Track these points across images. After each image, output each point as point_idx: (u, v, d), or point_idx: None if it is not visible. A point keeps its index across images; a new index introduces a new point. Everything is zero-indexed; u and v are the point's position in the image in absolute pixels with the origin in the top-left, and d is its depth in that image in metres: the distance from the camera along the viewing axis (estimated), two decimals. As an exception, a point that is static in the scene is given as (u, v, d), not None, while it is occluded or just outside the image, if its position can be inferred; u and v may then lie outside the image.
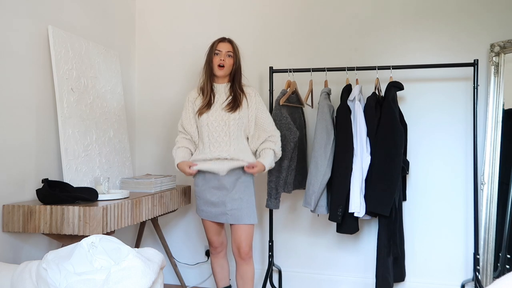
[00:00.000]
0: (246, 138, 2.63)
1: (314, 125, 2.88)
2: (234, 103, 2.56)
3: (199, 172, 2.60)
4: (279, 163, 2.81)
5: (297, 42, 3.26)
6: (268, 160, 2.56)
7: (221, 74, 2.59)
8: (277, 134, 2.63)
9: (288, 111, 2.91)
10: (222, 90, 2.62)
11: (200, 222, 3.41)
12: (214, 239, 2.70)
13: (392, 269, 2.79)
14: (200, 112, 2.59)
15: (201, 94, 2.65)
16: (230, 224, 2.61)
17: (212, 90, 2.61)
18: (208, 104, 2.58)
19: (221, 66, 2.57)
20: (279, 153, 2.62)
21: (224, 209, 2.56)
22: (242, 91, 2.61)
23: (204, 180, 2.61)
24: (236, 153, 2.54)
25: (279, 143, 2.62)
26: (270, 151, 2.58)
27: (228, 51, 2.58)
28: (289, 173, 2.85)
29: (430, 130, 3.04)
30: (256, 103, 2.61)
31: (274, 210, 3.16)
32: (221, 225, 2.71)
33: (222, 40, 2.62)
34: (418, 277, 3.05)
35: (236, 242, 2.59)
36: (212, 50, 2.59)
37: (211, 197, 2.59)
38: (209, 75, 2.62)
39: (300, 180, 3.00)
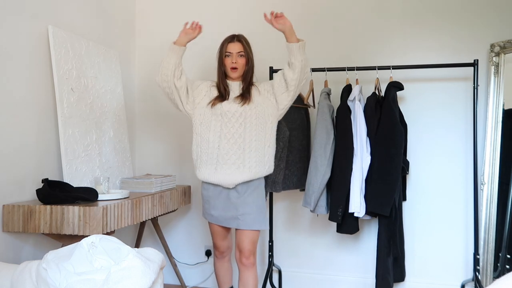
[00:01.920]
0: (267, 130, 2.46)
1: (314, 125, 2.88)
2: (244, 96, 2.44)
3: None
4: None
5: (297, 42, 3.26)
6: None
7: (236, 76, 2.48)
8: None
9: None
10: (236, 88, 2.50)
11: (200, 222, 3.41)
12: (221, 244, 2.58)
13: (392, 269, 2.79)
14: (214, 102, 2.45)
15: (214, 88, 2.52)
16: (236, 229, 2.48)
17: (227, 87, 2.49)
18: (222, 97, 2.46)
19: (234, 68, 2.46)
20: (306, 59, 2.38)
21: (235, 213, 2.42)
22: (252, 84, 2.51)
23: (213, 185, 2.47)
24: (248, 156, 2.40)
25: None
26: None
27: (239, 52, 2.46)
28: (278, 172, 2.83)
29: (430, 130, 3.04)
30: (265, 83, 2.52)
31: (274, 210, 3.16)
32: (228, 229, 2.58)
33: (231, 40, 2.48)
34: (418, 277, 3.05)
35: (239, 247, 2.46)
36: (223, 52, 2.48)
37: (220, 202, 2.46)
38: (222, 76, 2.50)
39: (298, 180, 3.01)
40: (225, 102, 2.44)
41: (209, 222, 2.56)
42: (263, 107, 2.45)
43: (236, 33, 2.52)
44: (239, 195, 2.43)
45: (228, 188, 2.44)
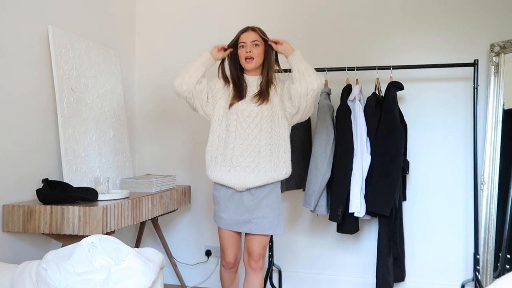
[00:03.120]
0: (280, 134, 2.32)
1: (314, 125, 2.89)
2: (261, 95, 2.29)
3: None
4: None
5: (297, 42, 3.24)
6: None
7: (251, 67, 2.30)
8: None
9: None
10: (254, 83, 2.34)
11: (200, 222, 3.42)
12: (229, 253, 2.37)
13: (392, 269, 2.79)
14: (231, 103, 2.30)
15: (230, 84, 2.37)
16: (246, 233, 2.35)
17: (244, 81, 2.34)
18: (240, 96, 2.31)
19: (249, 58, 2.28)
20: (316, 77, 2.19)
21: (248, 217, 2.28)
22: (272, 81, 2.34)
23: (225, 186, 2.34)
24: (263, 160, 2.27)
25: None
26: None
27: (254, 40, 2.27)
28: None
29: (430, 130, 3.04)
30: (282, 83, 2.34)
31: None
32: (238, 235, 2.41)
33: (245, 30, 2.32)
34: (418, 277, 3.05)
35: (249, 251, 2.34)
36: (237, 44, 2.31)
37: (232, 204, 2.32)
38: (239, 71, 2.35)
39: (301, 180, 3.01)
40: (242, 102, 2.30)
41: (218, 227, 2.39)
42: (277, 109, 2.31)
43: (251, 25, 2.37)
44: (253, 197, 2.29)
45: (241, 191, 2.31)
